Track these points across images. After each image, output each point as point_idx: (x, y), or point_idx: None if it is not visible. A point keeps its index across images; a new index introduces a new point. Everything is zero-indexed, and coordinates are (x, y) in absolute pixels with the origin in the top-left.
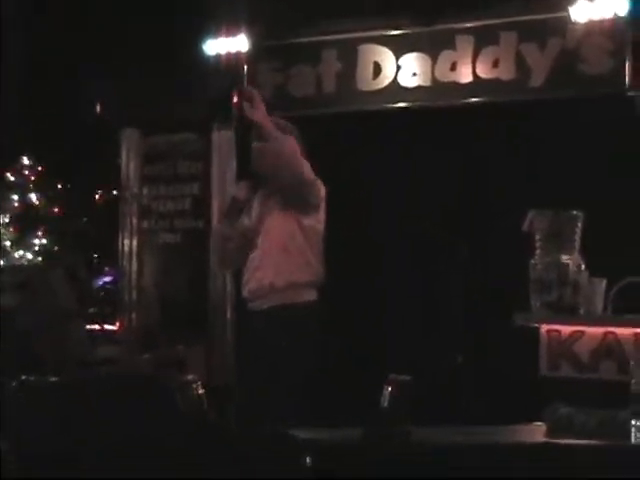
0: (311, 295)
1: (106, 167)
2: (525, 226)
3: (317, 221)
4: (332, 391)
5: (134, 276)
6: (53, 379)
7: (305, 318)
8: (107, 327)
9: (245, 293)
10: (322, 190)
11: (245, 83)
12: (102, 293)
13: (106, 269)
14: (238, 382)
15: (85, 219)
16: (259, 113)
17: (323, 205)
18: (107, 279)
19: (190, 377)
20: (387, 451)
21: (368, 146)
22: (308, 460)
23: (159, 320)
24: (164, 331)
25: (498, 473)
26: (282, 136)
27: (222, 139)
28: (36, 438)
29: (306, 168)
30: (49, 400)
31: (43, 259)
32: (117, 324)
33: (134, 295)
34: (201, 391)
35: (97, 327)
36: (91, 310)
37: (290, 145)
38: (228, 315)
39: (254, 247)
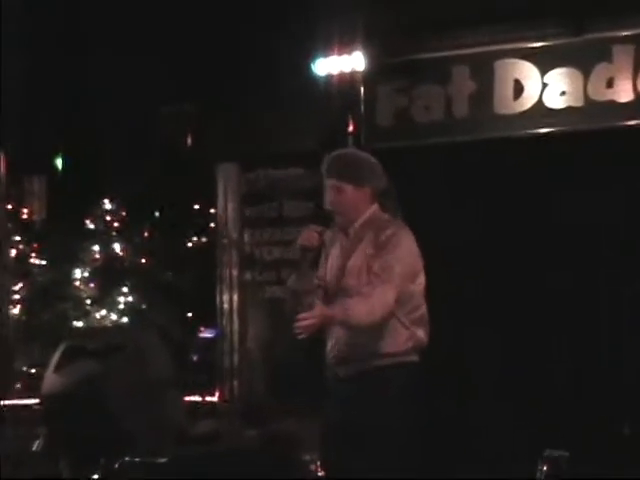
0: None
1: (200, 209)
2: None
3: (414, 283)
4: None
5: (235, 337)
6: (160, 460)
7: (400, 382)
8: (206, 398)
9: (330, 360)
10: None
11: (362, 107)
12: (195, 358)
13: (202, 329)
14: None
15: (177, 271)
16: None
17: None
18: (208, 334)
19: (308, 457)
20: None
21: (507, 178)
22: None
23: (266, 389)
24: (273, 402)
25: None
26: None
27: None
28: None
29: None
30: None
31: (130, 319)
32: (217, 394)
33: (236, 359)
34: (321, 473)
35: (197, 398)
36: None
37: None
38: None
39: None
